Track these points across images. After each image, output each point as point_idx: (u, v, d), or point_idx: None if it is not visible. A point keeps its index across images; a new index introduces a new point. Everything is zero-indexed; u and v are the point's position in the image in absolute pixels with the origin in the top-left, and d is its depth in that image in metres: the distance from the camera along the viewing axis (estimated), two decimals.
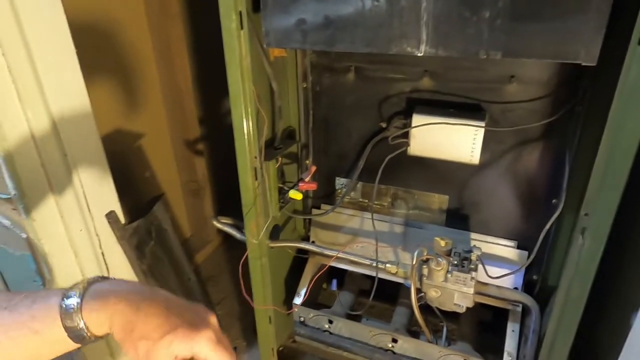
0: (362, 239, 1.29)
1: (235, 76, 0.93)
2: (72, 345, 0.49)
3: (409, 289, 1.11)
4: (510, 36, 0.72)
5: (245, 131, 0.98)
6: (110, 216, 1.09)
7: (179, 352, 0.47)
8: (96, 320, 0.47)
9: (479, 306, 1.19)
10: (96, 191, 1.06)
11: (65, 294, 0.49)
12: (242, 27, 0.89)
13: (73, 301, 0.48)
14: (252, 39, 0.93)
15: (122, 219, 1.16)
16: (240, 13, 0.87)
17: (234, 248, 2.21)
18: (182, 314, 0.49)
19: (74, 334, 0.47)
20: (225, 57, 0.92)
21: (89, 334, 0.47)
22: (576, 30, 0.68)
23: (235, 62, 0.92)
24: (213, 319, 0.51)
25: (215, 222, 1.32)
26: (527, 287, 1.17)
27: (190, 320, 0.48)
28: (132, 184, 1.73)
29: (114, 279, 0.52)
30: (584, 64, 0.70)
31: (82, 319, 0.47)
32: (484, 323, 1.33)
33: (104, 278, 0.51)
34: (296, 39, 0.87)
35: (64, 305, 0.47)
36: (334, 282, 1.44)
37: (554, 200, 1.06)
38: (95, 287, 0.49)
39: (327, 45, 0.86)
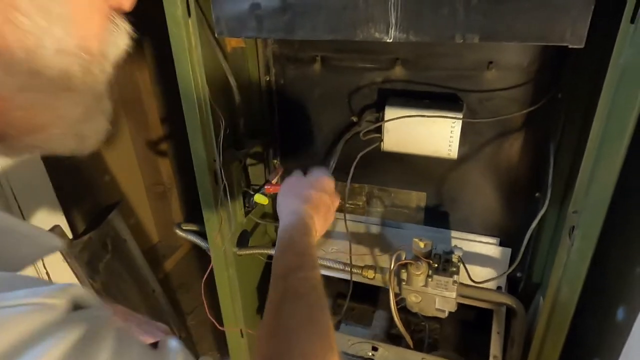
0: (336, 241, 1.21)
1: (185, 70, 0.83)
2: None
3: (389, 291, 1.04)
4: (489, 17, 0.64)
5: (201, 131, 0.88)
6: (55, 232, 0.98)
7: None
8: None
9: (461, 306, 1.13)
10: (35, 205, 0.94)
11: None
12: (189, 15, 0.79)
13: None
14: (203, 27, 0.83)
15: (70, 233, 1.04)
16: None
17: (206, 253, 2.11)
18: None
19: None
20: (172, 49, 0.82)
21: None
22: (561, 9, 0.61)
23: (184, 54, 0.81)
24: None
25: (177, 231, 1.21)
26: (511, 284, 1.12)
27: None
28: (88, 190, 1.60)
29: None
30: (570, 46, 0.62)
31: None
32: (467, 322, 1.28)
33: None
34: (251, 26, 0.77)
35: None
36: None
37: (537, 194, 1.00)
38: None
39: (286, 33, 0.76)
